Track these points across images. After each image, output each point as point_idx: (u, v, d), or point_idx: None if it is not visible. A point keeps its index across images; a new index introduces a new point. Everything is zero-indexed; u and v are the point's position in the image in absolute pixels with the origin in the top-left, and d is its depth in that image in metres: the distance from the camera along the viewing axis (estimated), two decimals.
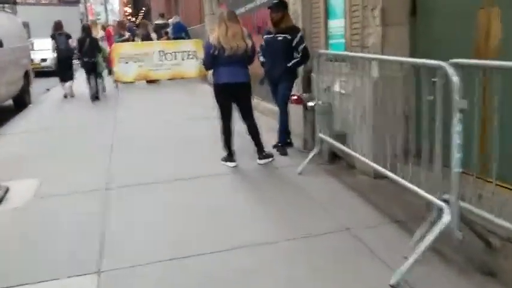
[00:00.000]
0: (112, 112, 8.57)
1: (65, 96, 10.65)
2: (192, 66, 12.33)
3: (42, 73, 18.00)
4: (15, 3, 10.03)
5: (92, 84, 9.96)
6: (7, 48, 8.55)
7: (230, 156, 4.97)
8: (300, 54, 5.15)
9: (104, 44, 11.74)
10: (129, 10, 62.25)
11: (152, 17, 26.24)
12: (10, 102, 9.47)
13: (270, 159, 4.96)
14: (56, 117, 8.51)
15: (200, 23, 12.88)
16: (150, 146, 5.94)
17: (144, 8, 39.32)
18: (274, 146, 5.38)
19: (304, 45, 5.15)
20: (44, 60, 18.28)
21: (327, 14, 5.26)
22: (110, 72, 13.14)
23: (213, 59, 4.67)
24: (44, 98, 11.02)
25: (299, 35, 5.16)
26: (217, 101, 4.86)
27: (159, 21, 15.09)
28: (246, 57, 4.76)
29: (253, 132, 4.97)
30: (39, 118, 8.31)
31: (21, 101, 9.50)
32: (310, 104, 5.11)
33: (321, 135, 4.61)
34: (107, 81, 12.23)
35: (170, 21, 13.38)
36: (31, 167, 5.17)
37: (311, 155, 4.69)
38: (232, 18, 4.66)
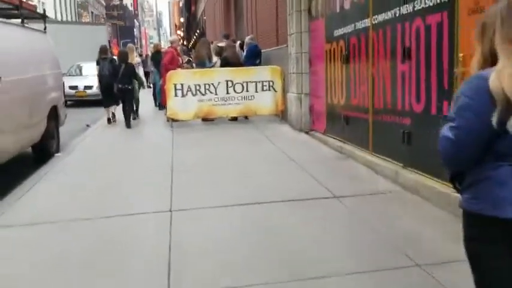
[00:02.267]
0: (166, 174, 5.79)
1: (109, 121, 10.25)
2: (268, 100, 9.49)
3: (87, 102, 15.87)
4: (45, 17, 7.40)
5: (128, 112, 9.72)
6: (19, 80, 5.92)
7: None
8: None
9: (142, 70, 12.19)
10: (182, 34, 61.48)
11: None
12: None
13: None
14: (80, 189, 5.80)
15: (278, 45, 10.07)
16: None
17: (198, 31, 37.49)
18: None
19: None
20: (89, 87, 16.06)
21: None
22: (161, 107, 10.57)
23: (487, 141, 1.60)
24: (80, 141, 8.43)
25: None
26: (481, 263, 1.69)
27: (223, 44, 12.30)
28: None
29: None
30: (59, 190, 5.55)
31: (44, 150, 6.88)
32: None
33: None
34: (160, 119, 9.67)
35: (226, 43, 10.64)
36: None
37: None
38: None
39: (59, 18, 38.94)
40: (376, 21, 5.50)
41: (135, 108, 10.73)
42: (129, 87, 9.76)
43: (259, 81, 9.46)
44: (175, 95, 9.18)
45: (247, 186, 4.97)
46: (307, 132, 8.21)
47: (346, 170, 5.62)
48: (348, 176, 5.32)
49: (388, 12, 5.19)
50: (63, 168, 6.30)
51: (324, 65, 7.45)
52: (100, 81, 10.33)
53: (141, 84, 11.77)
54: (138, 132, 9.40)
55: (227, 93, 9.38)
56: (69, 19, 44.95)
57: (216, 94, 9.33)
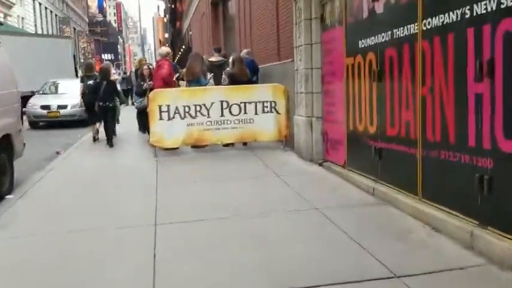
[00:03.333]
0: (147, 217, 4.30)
1: (94, 140, 9.97)
2: (270, 124, 8.07)
3: (61, 123, 14.26)
4: None
5: (110, 131, 9.47)
6: None
7: None
8: None
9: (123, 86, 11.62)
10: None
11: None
12: None
13: None
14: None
15: (280, 59, 8.70)
16: None
17: (183, 47, 36.15)
18: None
19: None
20: (62, 107, 14.44)
21: None
22: (145, 131, 9.13)
23: None
24: (43, 175, 6.85)
25: None
26: None
27: (214, 59, 10.73)
28: None
29: None
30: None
31: None
32: None
33: None
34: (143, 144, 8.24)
35: (233, 57, 9.12)
36: None
37: None
38: None
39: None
40: (429, 26, 4.13)
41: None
42: (111, 105, 9.52)
43: (260, 102, 8.04)
44: (160, 118, 7.70)
45: (265, 265, 3.42)
46: (320, 164, 6.78)
47: (393, 226, 4.16)
48: (400, 237, 3.86)
49: (452, 13, 3.83)
50: (7, 222, 4.71)
51: (343, 83, 6.07)
52: (84, 99, 10.40)
53: (123, 102, 11.60)
54: (115, 163, 7.87)
55: (222, 115, 7.92)
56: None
57: (208, 117, 7.87)
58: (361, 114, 5.63)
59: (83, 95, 10.36)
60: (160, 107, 7.68)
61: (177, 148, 8.04)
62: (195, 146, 8.22)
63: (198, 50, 24.41)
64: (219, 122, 7.92)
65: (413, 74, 4.43)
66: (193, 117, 7.82)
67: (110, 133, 9.40)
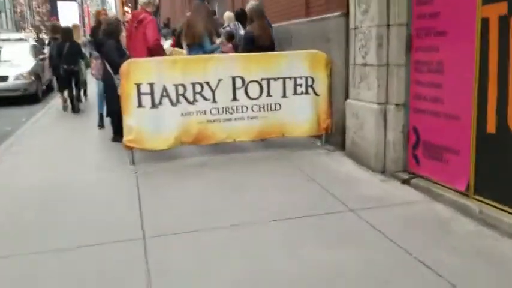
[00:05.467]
0: None
1: (64, 108, 9.30)
2: (304, 111, 5.39)
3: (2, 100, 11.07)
4: None
5: (75, 94, 9.19)
6: None
7: None
8: None
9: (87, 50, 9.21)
10: (129, 10, 54.94)
11: (162, 18, 19.04)
12: None
13: None
14: None
15: (308, 15, 5.97)
16: None
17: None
18: None
19: None
20: (2, 79, 11.20)
21: None
22: (116, 134, 6.20)
23: None
24: None
25: None
26: None
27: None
28: None
29: None
30: None
31: None
32: None
33: None
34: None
35: (251, 8, 6.05)
36: None
37: None
38: None
39: None
40: None
41: (82, 91, 10.04)
42: (75, 68, 9.02)
43: (290, 78, 5.31)
44: (140, 105, 4.87)
45: None
46: (406, 181, 4.20)
47: None
48: None
49: None
50: None
51: (472, 49, 3.44)
52: (51, 63, 9.91)
53: (87, 65, 9.70)
54: (62, 180, 4.97)
55: (234, 99, 5.17)
56: None
57: (213, 101, 5.10)
58: None
59: (50, 58, 9.94)
60: (139, 86, 4.83)
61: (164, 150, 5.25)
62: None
63: (169, 12, 21.04)
64: (231, 110, 5.17)
65: None
66: (191, 103, 5.03)
67: (76, 98, 9.15)
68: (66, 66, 8.82)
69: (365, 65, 4.59)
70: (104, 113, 6.82)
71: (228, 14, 7.53)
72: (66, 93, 9.22)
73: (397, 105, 4.35)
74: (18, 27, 54.22)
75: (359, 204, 3.74)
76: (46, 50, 17.19)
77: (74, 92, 9.16)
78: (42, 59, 12.92)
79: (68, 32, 9.12)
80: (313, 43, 5.73)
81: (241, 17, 7.35)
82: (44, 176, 4.77)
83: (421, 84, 4.11)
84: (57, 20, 60.68)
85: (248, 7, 6.19)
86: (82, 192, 4.24)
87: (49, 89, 13.54)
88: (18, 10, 59.21)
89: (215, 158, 5.22)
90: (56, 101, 10.74)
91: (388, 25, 4.31)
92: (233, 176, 4.59)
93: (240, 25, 7.25)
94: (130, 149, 4.99)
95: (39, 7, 54.22)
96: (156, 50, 5.65)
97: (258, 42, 5.76)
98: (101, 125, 7.22)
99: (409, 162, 4.34)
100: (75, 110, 9.05)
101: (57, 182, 4.56)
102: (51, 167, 5.15)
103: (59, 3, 69.90)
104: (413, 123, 4.26)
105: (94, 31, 8.06)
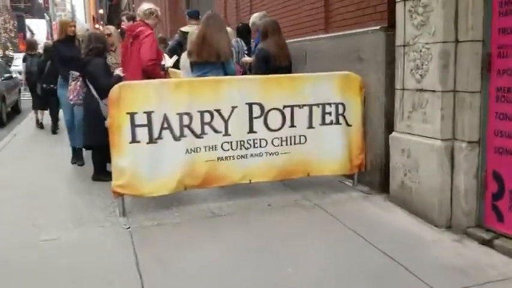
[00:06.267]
0: None
1: (40, 125, 9.29)
2: (334, 144, 4.41)
3: None
4: None
5: (53, 115, 8.71)
6: None
7: None
8: None
9: None
10: (101, 28, 53.34)
11: None
12: None
13: None
14: None
15: (329, 30, 5.05)
16: None
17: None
18: None
19: None
20: None
21: None
22: (99, 172, 5.04)
23: None
24: None
25: None
26: None
27: (189, 28, 6.62)
28: None
29: None
30: None
31: None
32: None
33: None
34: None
35: (266, 23, 4.99)
36: None
37: None
38: None
39: None
40: None
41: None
42: (55, 88, 7.82)
43: (318, 105, 4.34)
44: (133, 140, 3.78)
45: None
46: (487, 243, 3.25)
47: None
48: None
49: None
50: None
51: None
52: (28, 80, 9.80)
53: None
54: (21, 254, 3.82)
55: (251, 131, 4.15)
56: None
57: (226, 134, 4.07)
58: None
59: (28, 75, 9.72)
60: (133, 116, 3.75)
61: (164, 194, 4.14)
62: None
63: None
64: (246, 144, 4.15)
65: None
66: (199, 136, 3.98)
67: (56, 119, 8.76)
68: (45, 85, 8.14)
69: (421, 90, 3.67)
70: (80, 145, 5.61)
71: (228, 30, 6.53)
72: (38, 114, 9.18)
73: (469, 142, 3.42)
74: None
75: (444, 281, 2.75)
76: (13, 68, 15.80)
77: (54, 112, 8.66)
78: (7, 78, 11.61)
79: (52, 51, 8.04)
80: (334, 63, 4.81)
81: (243, 32, 6.41)
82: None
83: (506, 117, 3.20)
84: (25, 37, 58.64)
85: (258, 21, 5.22)
86: (53, 262, 3.10)
87: (15, 112, 12.18)
88: None
89: (227, 206, 4.15)
90: (24, 125, 9.47)
91: (457, 41, 3.41)
92: (257, 237, 3.52)
93: (242, 42, 6.28)
94: (121, 195, 3.88)
95: (5, 23, 52.13)
96: (150, 73, 4.59)
97: (275, 62, 4.79)
98: (75, 162, 5.96)
99: (487, 217, 3.39)
100: (55, 131, 8.74)
101: (17, 243, 3.40)
102: (12, 219, 3.96)
103: (27, 21, 67.89)
104: (493, 167, 3.33)
105: (56, 46, 6.35)
